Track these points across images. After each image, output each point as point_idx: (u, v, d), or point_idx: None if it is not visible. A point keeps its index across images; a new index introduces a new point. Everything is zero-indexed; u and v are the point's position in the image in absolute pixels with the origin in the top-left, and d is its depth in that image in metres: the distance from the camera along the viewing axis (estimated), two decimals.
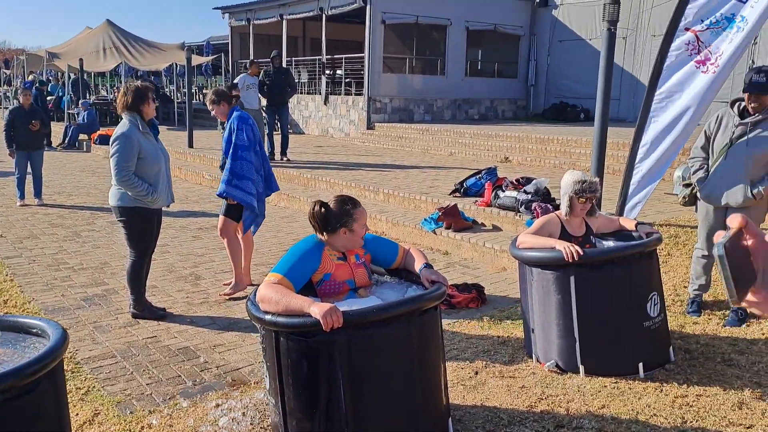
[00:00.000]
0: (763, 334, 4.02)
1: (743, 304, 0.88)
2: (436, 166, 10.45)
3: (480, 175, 7.64)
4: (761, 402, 3.18)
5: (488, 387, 3.43)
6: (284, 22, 17.70)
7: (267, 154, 5.49)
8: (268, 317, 2.60)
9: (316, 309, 2.47)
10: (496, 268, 5.81)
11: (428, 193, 7.84)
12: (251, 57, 17.30)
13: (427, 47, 16.85)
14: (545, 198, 6.54)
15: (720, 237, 0.83)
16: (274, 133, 11.66)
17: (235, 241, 5.10)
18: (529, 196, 6.56)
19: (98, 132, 15.51)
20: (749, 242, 0.86)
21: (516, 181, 7.08)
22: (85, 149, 15.71)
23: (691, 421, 3.00)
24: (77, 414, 3.18)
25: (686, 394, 3.27)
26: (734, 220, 0.87)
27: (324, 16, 16.18)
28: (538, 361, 3.74)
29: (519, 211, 6.45)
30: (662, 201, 7.10)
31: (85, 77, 20.26)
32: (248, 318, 4.37)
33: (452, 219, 6.55)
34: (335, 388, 2.55)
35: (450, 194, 7.63)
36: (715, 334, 4.07)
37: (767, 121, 4.02)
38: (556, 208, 5.27)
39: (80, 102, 17.15)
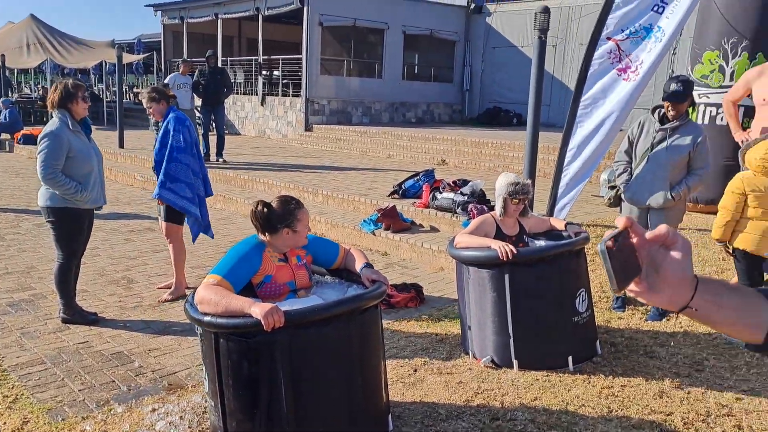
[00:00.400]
0: (681, 327, 4.28)
1: (628, 293, 1.01)
2: (374, 168, 10.53)
3: (418, 177, 7.77)
4: (680, 391, 3.39)
5: (427, 384, 3.51)
6: (219, 21, 17.41)
7: (202, 155, 5.41)
8: (207, 318, 2.59)
9: (257, 309, 2.47)
10: (434, 268, 5.93)
11: (367, 194, 7.90)
12: (185, 56, 16.92)
13: (364, 50, 16.95)
14: (481, 199, 6.72)
15: (606, 236, 0.97)
16: (210, 133, 11.47)
17: (179, 245, 5.01)
18: (466, 197, 6.72)
19: (22, 131, 14.79)
20: (635, 240, 1.00)
21: (453, 183, 7.24)
22: (7, 149, 14.95)
23: (616, 410, 3.17)
24: (5, 423, 3.05)
25: (612, 385, 3.45)
26: (620, 221, 1.00)
27: (261, 16, 16.01)
28: (474, 357, 3.86)
29: (456, 212, 6.60)
30: (590, 202, 7.42)
31: (7, 74, 19.27)
32: (184, 321, 4.32)
33: (391, 220, 6.63)
34: (276, 388, 2.56)
35: (389, 196, 7.72)
36: (638, 328, 4.30)
37: (684, 127, 4.28)
38: (491, 209, 5.43)
39: (1, 100, 16.30)
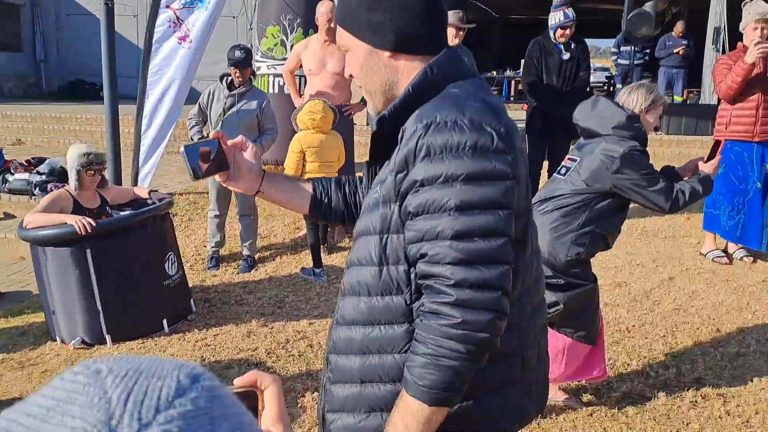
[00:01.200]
0: (267, 275, 4.77)
1: (222, 183, 1.41)
2: None
3: None
4: (264, 328, 3.80)
5: (5, 381, 3.17)
6: None
7: None
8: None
9: None
10: (13, 259, 5.28)
11: None
12: None
13: None
14: (62, 177, 6.18)
15: (195, 142, 1.30)
16: None
17: None
18: (44, 176, 6.12)
19: None
20: (224, 147, 1.39)
21: (26, 162, 6.48)
22: None
23: (209, 357, 3.40)
24: None
25: (205, 337, 3.67)
26: (212, 134, 1.41)
27: None
28: (63, 342, 3.62)
29: (34, 194, 5.97)
30: (183, 173, 7.54)
31: None
32: None
33: None
34: None
35: None
36: (231, 282, 4.63)
37: (250, 93, 4.69)
38: None
39: None
